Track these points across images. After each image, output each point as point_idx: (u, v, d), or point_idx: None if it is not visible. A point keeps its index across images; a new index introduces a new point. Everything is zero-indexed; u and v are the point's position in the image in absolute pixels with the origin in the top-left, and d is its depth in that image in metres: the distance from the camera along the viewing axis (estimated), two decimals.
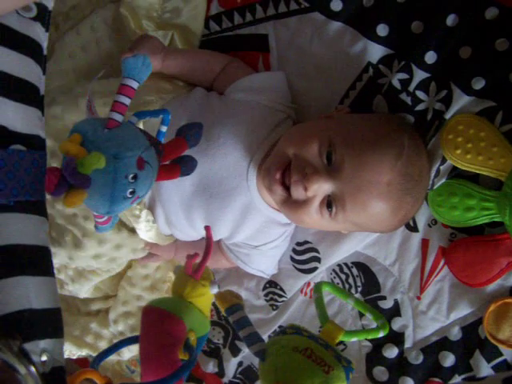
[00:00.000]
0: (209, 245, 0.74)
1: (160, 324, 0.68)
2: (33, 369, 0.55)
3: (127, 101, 0.68)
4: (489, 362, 1.07)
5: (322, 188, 0.96)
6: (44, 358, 0.67)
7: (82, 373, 0.61)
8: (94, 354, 1.33)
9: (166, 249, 1.25)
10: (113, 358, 1.38)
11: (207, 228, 0.77)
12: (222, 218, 1.11)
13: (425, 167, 1.00)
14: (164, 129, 0.77)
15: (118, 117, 0.68)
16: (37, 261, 0.74)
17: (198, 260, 0.75)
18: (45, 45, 0.81)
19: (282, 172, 1.00)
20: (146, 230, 1.15)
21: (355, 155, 0.95)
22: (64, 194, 0.63)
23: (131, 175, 0.66)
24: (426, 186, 1.03)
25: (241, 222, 1.12)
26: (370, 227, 1.04)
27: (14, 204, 0.71)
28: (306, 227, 1.14)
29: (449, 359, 1.11)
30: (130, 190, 0.67)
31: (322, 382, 0.66)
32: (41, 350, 0.66)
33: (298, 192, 0.98)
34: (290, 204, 1.01)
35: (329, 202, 0.98)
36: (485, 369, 1.07)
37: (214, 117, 1.09)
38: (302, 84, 1.17)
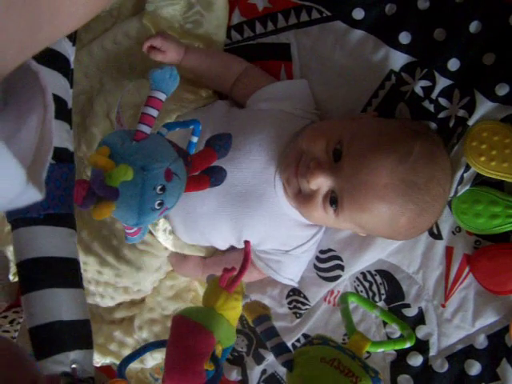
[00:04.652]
0: (246, 259, 0.74)
1: (191, 336, 0.67)
2: None
3: (155, 113, 0.69)
4: None
5: (322, 182, 0.97)
6: (74, 365, 0.68)
7: (113, 383, 0.61)
8: (118, 362, 1.34)
9: (192, 267, 1.26)
10: (136, 365, 1.38)
11: (247, 243, 0.76)
12: (250, 226, 1.12)
13: (435, 177, 0.95)
14: (195, 139, 0.78)
15: (146, 129, 0.69)
16: (66, 273, 0.75)
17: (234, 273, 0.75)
18: (72, 59, 0.82)
19: (297, 165, 1.01)
20: (163, 239, 1.16)
21: (357, 154, 0.95)
22: (92, 206, 0.64)
23: (159, 187, 0.66)
24: (439, 196, 0.98)
25: (270, 229, 1.12)
26: (376, 230, 1.02)
27: (44, 217, 0.72)
28: (319, 223, 1.13)
29: (475, 368, 1.09)
30: (159, 201, 0.67)
31: None
32: (71, 361, 0.67)
33: (303, 185, 1.01)
34: (300, 197, 1.03)
35: (333, 199, 0.99)
36: None
37: (238, 126, 1.10)
38: (324, 92, 1.17)
